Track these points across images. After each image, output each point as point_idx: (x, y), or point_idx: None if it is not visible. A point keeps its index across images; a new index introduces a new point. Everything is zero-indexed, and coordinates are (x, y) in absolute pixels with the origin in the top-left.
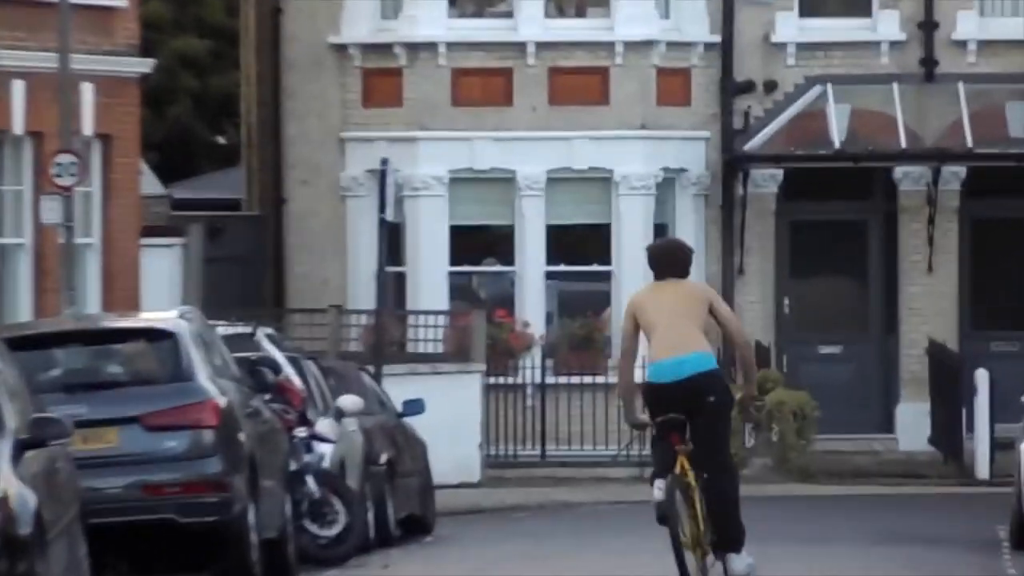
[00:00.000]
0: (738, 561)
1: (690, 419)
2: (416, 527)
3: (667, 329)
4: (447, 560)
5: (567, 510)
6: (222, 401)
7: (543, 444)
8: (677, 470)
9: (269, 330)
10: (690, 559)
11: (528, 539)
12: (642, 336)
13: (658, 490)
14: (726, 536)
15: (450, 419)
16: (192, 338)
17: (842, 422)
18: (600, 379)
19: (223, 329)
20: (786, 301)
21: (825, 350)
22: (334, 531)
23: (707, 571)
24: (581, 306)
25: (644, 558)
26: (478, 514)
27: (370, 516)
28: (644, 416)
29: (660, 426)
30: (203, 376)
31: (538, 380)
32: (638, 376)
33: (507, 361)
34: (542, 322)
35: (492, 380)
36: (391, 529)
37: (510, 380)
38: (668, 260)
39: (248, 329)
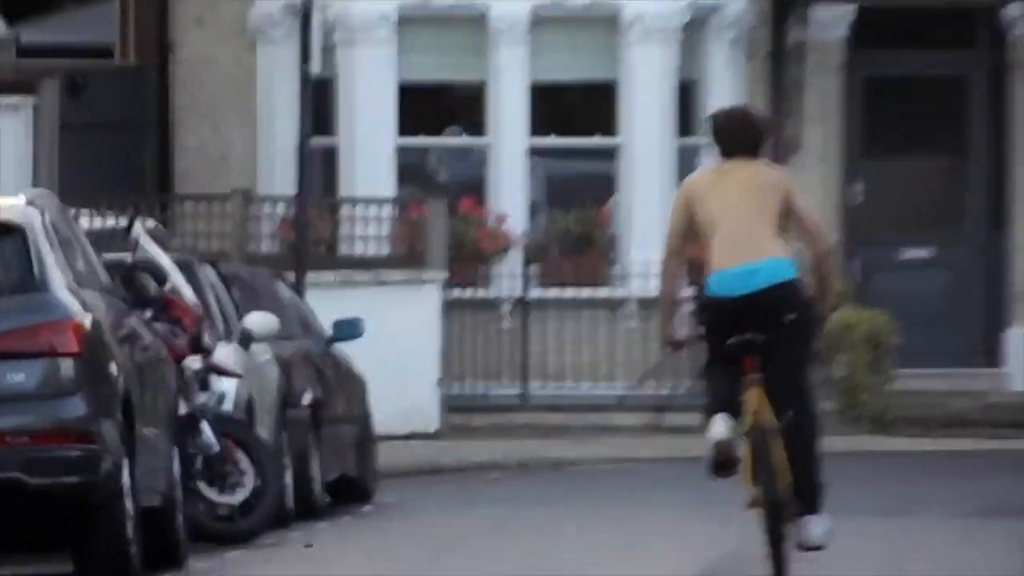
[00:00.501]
0: (820, 525)
1: (769, 341)
2: (351, 492)
3: (734, 228)
4: (390, 536)
5: (556, 470)
6: (86, 320)
7: (525, 381)
8: (754, 405)
9: (151, 223)
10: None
11: (501, 508)
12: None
13: (722, 425)
14: (809, 493)
15: (398, 346)
16: (45, 233)
17: (932, 352)
18: (602, 292)
19: (88, 222)
20: (858, 187)
21: (909, 254)
22: (239, 497)
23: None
24: (577, 193)
25: (658, 536)
26: (435, 475)
27: (288, 477)
28: (683, 333)
29: (730, 349)
30: (60, 285)
31: (518, 293)
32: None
33: (476, 268)
34: (524, 215)
35: (456, 293)
36: (316, 495)
37: (480, 294)
38: (737, 134)
39: (123, 222)
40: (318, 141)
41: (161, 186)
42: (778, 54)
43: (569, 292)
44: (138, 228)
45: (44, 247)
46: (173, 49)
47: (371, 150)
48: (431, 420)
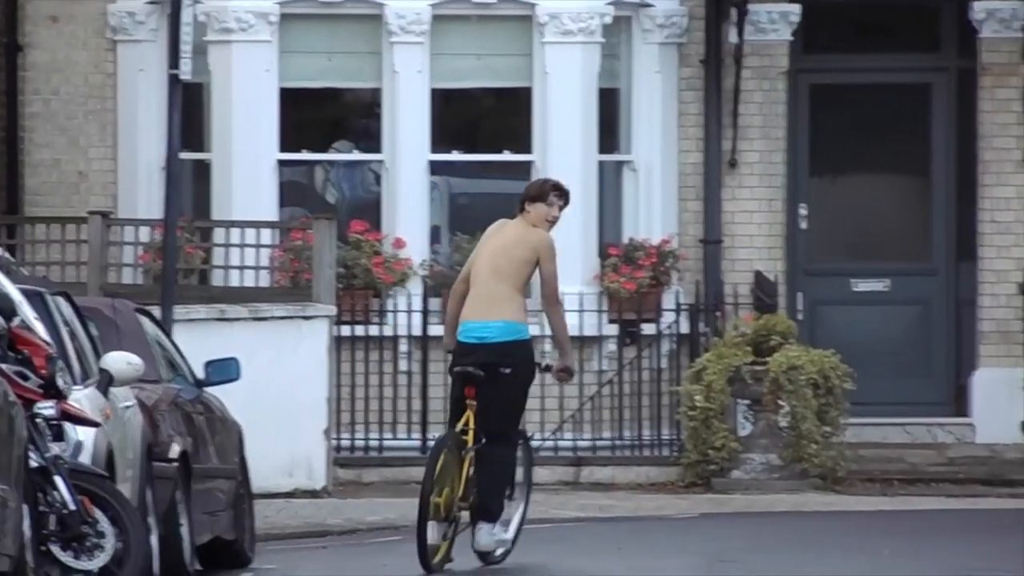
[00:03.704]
0: (487, 533)
1: (487, 382)
2: (225, 557)
3: (481, 290)
4: None
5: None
6: None
7: (424, 431)
8: (459, 425)
9: None
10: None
11: None
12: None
13: (433, 532)
14: (483, 504)
15: (280, 391)
16: None
17: (889, 399)
18: None
19: None
20: (803, 210)
21: (863, 286)
22: (97, 562)
23: (452, 537)
24: (485, 216)
25: None
26: (321, 537)
27: (153, 540)
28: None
29: (456, 376)
30: None
31: (417, 331)
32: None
33: (369, 301)
34: (425, 241)
35: (346, 331)
36: (186, 560)
37: (374, 331)
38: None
39: None
40: (188, 156)
41: (8, 207)
42: (714, 60)
43: None
44: None
45: None
46: (23, 50)
47: (249, 166)
48: (317, 475)
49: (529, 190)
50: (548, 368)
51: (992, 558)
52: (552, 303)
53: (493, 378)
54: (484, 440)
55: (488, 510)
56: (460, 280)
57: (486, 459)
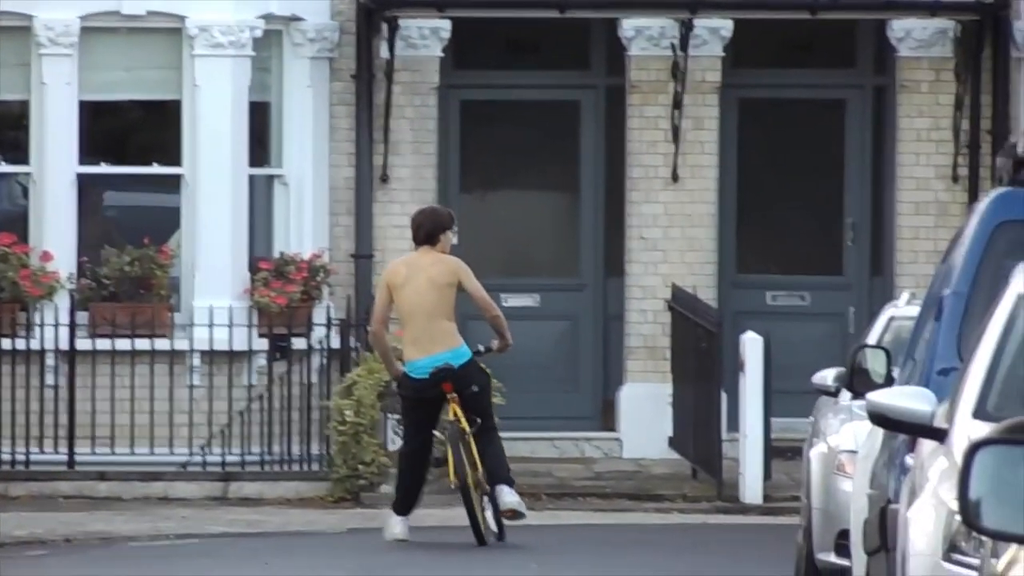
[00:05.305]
0: (509, 492)
1: (465, 401)
2: None
3: (421, 326)
4: None
5: (107, 547)
6: None
7: (71, 445)
8: (451, 417)
9: None
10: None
11: None
12: None
13: (399, 527)
14: (501, 473)
15: None
16: None
17: (537, 413)
18: (162, 344)
19: None
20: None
21: (513, 301)
22: None
23: (485, 509)
24: (135, 229)
25: None
26: None
27: None
28: (399, 369)
29: (433, 376)
30: None
31: (64, 345)
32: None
33: (15, 314)
34: (72, 254)
35: None
36: None
37: (20, 345)
38: (421, 227)
39: None
40: None
41: None
42: (364, 74)
43: (123, 343)
44: None
45: None
46: None
47: None
48: None
49: (442, 220)
50: (488, 350)
51: (635, 570)
52: (490, 310)
53: (466, 397)
54: (479, 429)
55: (507, 477)
56: (378, 321)
57: (491, 443)
